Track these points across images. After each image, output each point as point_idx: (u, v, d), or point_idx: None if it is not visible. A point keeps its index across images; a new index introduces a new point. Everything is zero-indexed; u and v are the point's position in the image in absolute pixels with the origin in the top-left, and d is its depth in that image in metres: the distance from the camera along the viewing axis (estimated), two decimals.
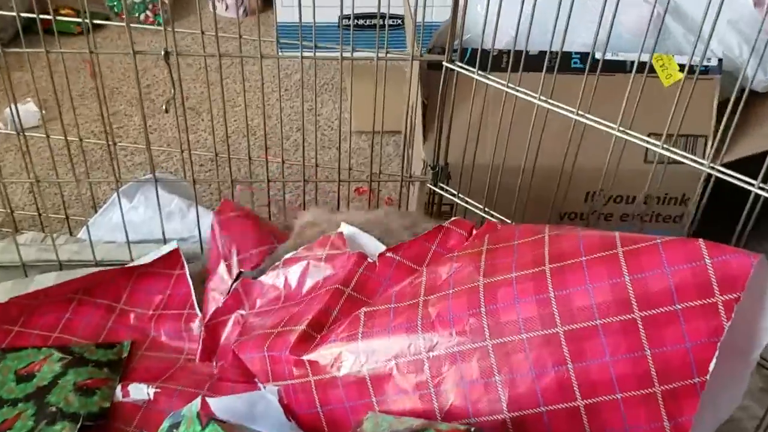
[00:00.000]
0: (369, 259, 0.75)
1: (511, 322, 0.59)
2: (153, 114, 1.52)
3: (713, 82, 1.03)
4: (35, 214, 1.13)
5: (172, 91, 0.92)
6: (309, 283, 0.78)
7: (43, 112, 1.35)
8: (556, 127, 0.83)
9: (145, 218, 1.04)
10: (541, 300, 0.58)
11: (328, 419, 0.67)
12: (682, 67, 1.02)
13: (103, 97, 0.92)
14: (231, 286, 0.85)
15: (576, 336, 0.56)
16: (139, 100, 0.90)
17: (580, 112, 0.81)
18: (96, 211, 1.09)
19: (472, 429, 0.55)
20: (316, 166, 1.03)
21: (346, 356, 0.66)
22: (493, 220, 0.93)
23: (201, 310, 0.88)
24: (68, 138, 0.96)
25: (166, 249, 0.94)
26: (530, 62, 0.86)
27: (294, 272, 0.80)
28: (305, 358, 0.68)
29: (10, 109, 0.92)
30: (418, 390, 0.62)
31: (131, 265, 0.94)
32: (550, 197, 0.89)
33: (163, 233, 0.99)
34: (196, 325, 0.87)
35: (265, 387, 0.72)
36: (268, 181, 1.00)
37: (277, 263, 0.82)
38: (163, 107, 0.87)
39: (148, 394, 0.78)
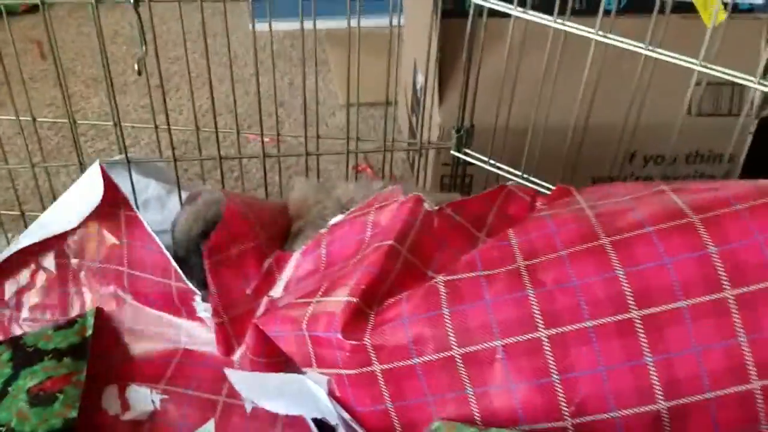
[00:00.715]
0: (426, 206, 0.60)
1: (663, 287, 0.46)
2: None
3: (761, 22, 0.92)
4: None
5: (144, 47, 0.76)
6: (354, 245, 0.63)
7: None
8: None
9: None
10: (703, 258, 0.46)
11: (403, 418, 0.52)
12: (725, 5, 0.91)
13: (60, 68, 0.75)
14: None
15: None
16: (103, 54, 0.73)
17: (650, 48, 0.68)
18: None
19: None
20: (318, 137, 0.88)
21: (427, 338, 0.51)
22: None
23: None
24: (21, 118, 0.78)
25: (86, 177, 0.71)
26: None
27: (336, 238, 0.65)
28: (367, 342, 0.53)
29: None
30: (534, 378, 0.48)
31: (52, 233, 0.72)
32: (581, 159, 0.77)
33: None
34: (199, 307, 0.69)
35: (306, 374, 0.57)
36: (265, 156, 0.84)
37: (320, 231, 0.67)
38: (135, 68, 0.71)
39: (153, 402, 0.63)
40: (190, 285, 0.67)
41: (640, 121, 0.73)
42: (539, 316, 0.49)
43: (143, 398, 0.63)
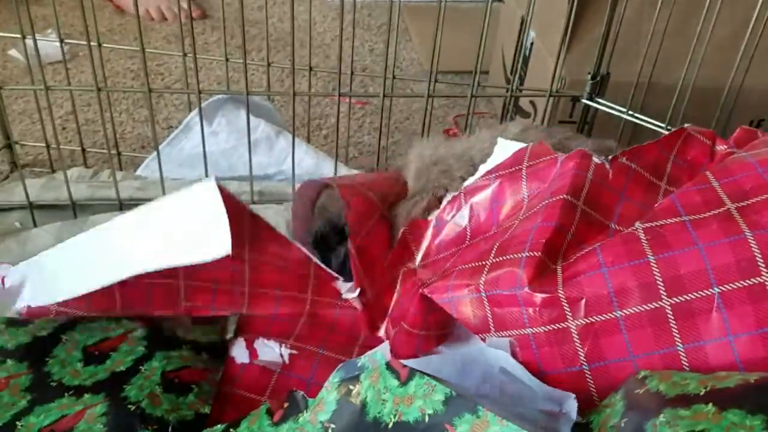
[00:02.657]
0: (595, 159, 0.55)
1: None
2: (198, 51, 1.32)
3: None
4: (76, 148, 0.93)
5: None
6: (509, 205, 0.58)
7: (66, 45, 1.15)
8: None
9: (227, 148, 0.84)
10: None
11: (600, 381, 0.47)
12: None
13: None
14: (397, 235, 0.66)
15: None
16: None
17: None
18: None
19: None
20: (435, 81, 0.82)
21: (632, 288, 0.46)
22: None
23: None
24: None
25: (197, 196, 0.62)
26: None
27: (481, 199, 0.60)
28: (561, 294, 0.48)
29: (33, 41, 0.71)
30: (758, 327, 0.43)
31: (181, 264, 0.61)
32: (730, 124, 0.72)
33: (251, 168, 0.78)
34: (343, 288, 0.66)
35: (486, 341, 0.52)
36: (384, 96, 0.78)
37: (453, 195, 0.62)
38: None
39: (282, 355, 0.60)
40: (330, 270, 0.65)
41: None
42: (762, 260, 0.44)
43: (271, 351, 0.61)
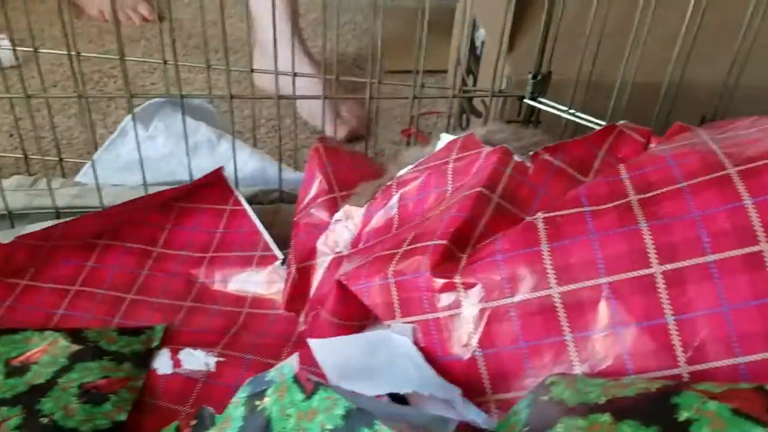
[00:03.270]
0: (516, 158, 0.55)
1: None
2: (151, 53, 1.32)
3: None
4: (20, 156, 0.92)
5: None
6: (433, 197, 0.58)
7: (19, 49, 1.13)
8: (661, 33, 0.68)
9: (165, 152, 0.83)
10: None
11: (493, 367, 0.47)
12: None
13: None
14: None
15: None
16: None
17: None
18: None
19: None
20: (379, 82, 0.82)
21: (524, 275, 0.46)
22: None
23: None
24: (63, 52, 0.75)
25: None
26: None
27: (410, 189, 0.60)
28: (457, 280, 0.48)
29: None
30: (645, 319, 0.43)
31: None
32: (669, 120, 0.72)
33: (190, 172, 0.78)
34: (277, 269, 0.69)
35: (390, 326, 0.52)
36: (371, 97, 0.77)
37: (387, 184, 0.63)
38: None
39: (207, 364, 0.60)
40: (276, 251, 0.68)
41: (740, 81, 0.67)
42: (653, 250, 0.44)
43: (196, 360, 0.61)
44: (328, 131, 1.06)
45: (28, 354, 0.60)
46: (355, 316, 0.57)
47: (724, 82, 0.68)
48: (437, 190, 0.58)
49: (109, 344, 0.62)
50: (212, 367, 0.60)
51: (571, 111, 0.79)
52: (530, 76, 0.81)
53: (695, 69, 0.71)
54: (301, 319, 0.64)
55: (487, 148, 0.57)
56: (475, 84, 1.04)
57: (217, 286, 0.70)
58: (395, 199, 0.61)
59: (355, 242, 0.63)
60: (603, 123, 0.77)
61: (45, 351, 0.60)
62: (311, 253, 0.64)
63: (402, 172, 0.63)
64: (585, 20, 0.75)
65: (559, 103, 0.81)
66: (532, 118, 0.85)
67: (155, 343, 0.63)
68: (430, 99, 1.03)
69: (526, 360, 0.46)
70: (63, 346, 0.60)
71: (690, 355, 0.43)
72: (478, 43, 1.04)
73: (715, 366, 0.42)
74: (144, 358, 0.61)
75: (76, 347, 0.60)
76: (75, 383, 0.56)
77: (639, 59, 0.71)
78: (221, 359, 0.60)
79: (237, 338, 0.64)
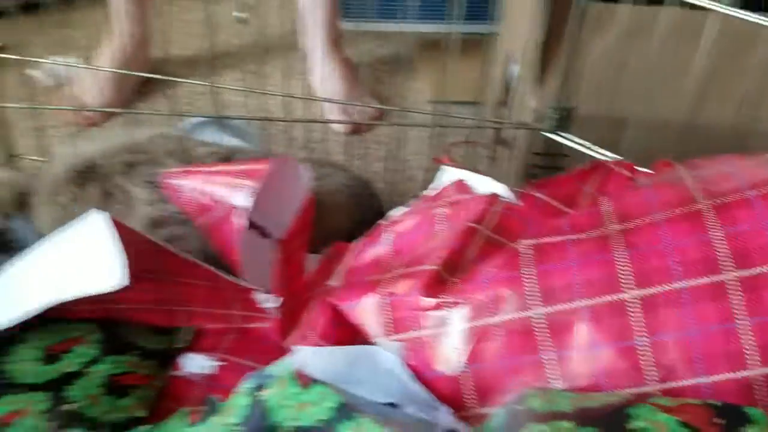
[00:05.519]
0: (503, 198, 0.61)
1: (764, 248, 0.46)
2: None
3: None
4: None
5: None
6: (423, 236, 0.63)
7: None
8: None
9: None
10: None
11: (478, 382, 0.52)
12: None
13: None
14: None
15: None
16: None
17: None
18: None
19: (719, 405, 0.41)
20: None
21: (508, 297, 0.52)
22: None
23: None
24: None
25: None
26: None
27: (402, 229, 0.66)
28: (445, 300, 0.54)
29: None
30: (617, 341, 0.48)
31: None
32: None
33: None
34: (261, 298, 0.71)
35: (377, 343, 0.58)
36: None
37: (378, 224, 0.68)
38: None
39: (205, 367, 0.65)
40: (242, 283, 0.68)
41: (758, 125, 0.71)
42: (627, 277, 0.49)
43: (196, 364, 0.65)
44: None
45: (65, 343, 0.65)
46: (343, 341, 0.61)
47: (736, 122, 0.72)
48: (427, 230, 0.63)
49: (139, 339, 0.67)
50: (215, 371, 0.64)
51: (595, 147, 0.83)
52: (553, 110, 0.86)
53: (713, 106, 0.74)
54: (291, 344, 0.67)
55: (479, 193, 0.62)
56: (510, 115, 1.09)
57: None
58: (387, 237, 0.66)
59: (345, 276, 0.67)
60: (619, 158, 0.80)
61: (80, 341, 0.65)
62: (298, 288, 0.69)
63: (396, 211, 0.69)
64: (617, 57, 0.80)
65: (584, 139, 0.86)
66: (558, 152, 0.90)
67: (179, 344, 0.67)
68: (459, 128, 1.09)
69: (509, 376, 0.51)
70: (96, 338, 0.66)
71: (660, 375, 0.47)
72: (511, 77, 1.09)
73: (682, 385, 0.46)
74: (167, 357, 0.66)
75: (109, 340, 0.65)
76: (102, 374, 0.61)
77: (666, 97, 0.75)
78: (223, 363, 0.65)
79: (236, 343, 0.67)
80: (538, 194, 0.61)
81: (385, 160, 1.08)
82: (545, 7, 0.86)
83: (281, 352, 0.67)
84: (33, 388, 0.60)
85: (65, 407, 0.57)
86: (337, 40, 1.28)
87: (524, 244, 0.54)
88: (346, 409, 0.47)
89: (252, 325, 0.69)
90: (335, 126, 1.12)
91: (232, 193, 0.68)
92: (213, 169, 0.72)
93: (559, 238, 0.53)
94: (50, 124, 1.00)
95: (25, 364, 0.62)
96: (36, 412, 0.57)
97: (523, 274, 0.52)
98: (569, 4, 0.78)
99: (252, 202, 0.67)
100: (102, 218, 0.60)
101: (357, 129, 1.18)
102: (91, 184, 0.73)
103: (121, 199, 0.72)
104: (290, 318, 0.68)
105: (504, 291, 0.52)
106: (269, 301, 0.68)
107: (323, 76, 1.21)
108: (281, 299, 0.67)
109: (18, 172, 0.85)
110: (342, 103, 1.14)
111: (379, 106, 1.20)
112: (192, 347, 0.67)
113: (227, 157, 0.75)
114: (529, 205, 0.61)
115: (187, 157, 0.74)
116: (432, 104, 1.28)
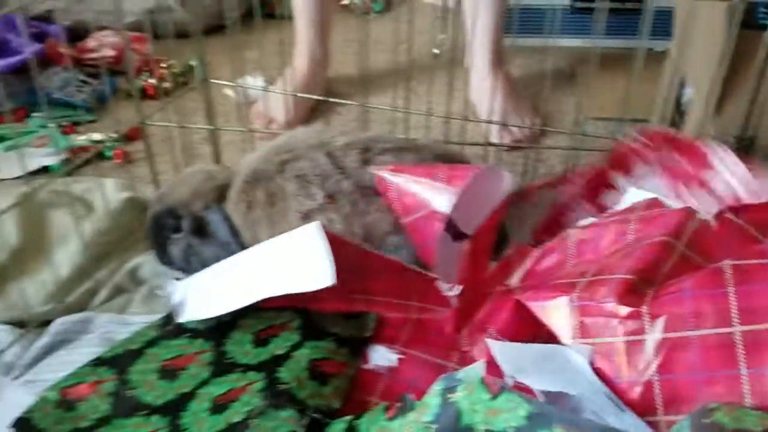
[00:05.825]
0: (699, 215, 0.63)
1: None
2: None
3: None
4: None
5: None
6: (611, 245, 0.66)
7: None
8: None
9: None
10: None
11: (667, 392, 0.55)
12: None
13: None
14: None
15: None
16: None
17: None
18: None
19: None
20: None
21: (708, 312, 0.54)
22: None
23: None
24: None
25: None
26: None
27: (589, 237, 0.69)
28: (644, 309, 0.57)
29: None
30: None
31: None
32: None
33: None
34: (444, 287, 0.75)
35: (567, 345, 0.61)
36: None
37: (566, 231, 0.72)
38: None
39: (390, 360, 0.69)
40: (429, 273, 0.73)
41: None
42: None
43: (381, 356, 0.70)
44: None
45: (271, 329, 0.73)
46: (524, 337, 0.65)
47: None
48: (616, 239, 0.66)
49: (333, 325, 0.72)
50: (395, 363, 0.69)
51: None
52: (733, 138, 0.85)
53: None
54: (463, 338, 0.71)
55: (673, 207, 0.64)
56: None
57: None
58: (572, 243, 0.69)
59: (524, 278, 0.72)
60: None
61: (284, 327, 0.72)
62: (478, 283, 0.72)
63: (584, 222, 0.72)
64: None
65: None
66: None
67: (367, 333, 0.72)
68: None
69: (701, 388, 0.54)
70: (296, 325, 0.72)
71: None
72: (684, 100, 1.08)
73: None
74: (359, 345, 0.71)
75: (306, 326, 0.72)
76: (306, 358, 0.67)
77: None
78: (402, 356, 0.69)
79: (413, 335, 0.72)
80: (732, 217, 0.63)
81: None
82: (730, 44, 0.86)
83: (455, 345, 0.71)
84: (249, 368, 0.67)
85: (279, 387, 0.63)
86: (500, 58, 1.32)
87: (727, 264, 0.56)
88: (540, 417, 0.51)
89: (428, 316, 0.73)
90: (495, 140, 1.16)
91: (436, 197, 0.73)
92: (421, 169, 0.77)
93: (762, 261, 0.55)
94: (240, 138, 1.11)
95: (242, 347, 0.70)
96: (254, 390, 0.63)
97: (727, 292, 0.54)
98: (754, 38, 0.78)
99: (453, 206, 0.72)
100: (315, 227, 0.67)
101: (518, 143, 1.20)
102: (258, 187, 0.81)
103: (281, 197, 0.80)
104: (466, 310, 0.72)
105: (706, 306, 0.54)
106: (452, 290, 0.72)
107: (484, 92, 1.25)
108: (462, 288, 0.71)
109: (222, 167, 0.95)
110: (503, 124, 1.17)
111: (544, 127, 1.22)
112: (375, 337, 0.72)
113: (367, 147, 0.81)
114: (725, 227, 0.62)
115: (327, 148, 0.81)
116: (596, 121, 1.29)
